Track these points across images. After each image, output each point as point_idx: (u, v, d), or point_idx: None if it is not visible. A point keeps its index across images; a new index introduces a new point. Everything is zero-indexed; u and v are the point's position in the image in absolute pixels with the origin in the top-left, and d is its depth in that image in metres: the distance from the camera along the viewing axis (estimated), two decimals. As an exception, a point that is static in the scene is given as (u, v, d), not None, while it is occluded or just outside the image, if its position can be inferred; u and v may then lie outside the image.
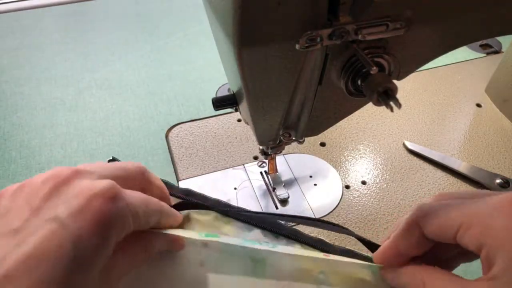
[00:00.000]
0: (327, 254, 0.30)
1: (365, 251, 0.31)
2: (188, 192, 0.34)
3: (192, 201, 0.33)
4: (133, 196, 0.25)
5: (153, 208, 0.27)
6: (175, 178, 0.49)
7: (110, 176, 0.26)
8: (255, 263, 0.32)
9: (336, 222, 0.44)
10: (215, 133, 0.54)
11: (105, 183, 0.23)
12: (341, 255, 0.30)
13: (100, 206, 0.22)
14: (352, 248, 0.31)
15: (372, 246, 0.30)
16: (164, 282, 0.33)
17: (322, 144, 0.53)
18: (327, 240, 0.41)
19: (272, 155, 0.44)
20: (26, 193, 0.23)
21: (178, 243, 0.31)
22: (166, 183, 0.33)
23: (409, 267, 0.26)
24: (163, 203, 0.29)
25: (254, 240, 0.33)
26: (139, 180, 0.29)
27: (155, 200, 0.28)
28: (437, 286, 0.24)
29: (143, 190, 0.28)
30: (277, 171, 0.47)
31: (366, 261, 0.29)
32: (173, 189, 0.33)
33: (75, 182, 0.23)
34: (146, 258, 0.28)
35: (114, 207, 0.23)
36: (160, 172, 0.49)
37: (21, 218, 0.22)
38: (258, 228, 0.33)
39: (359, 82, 0.27)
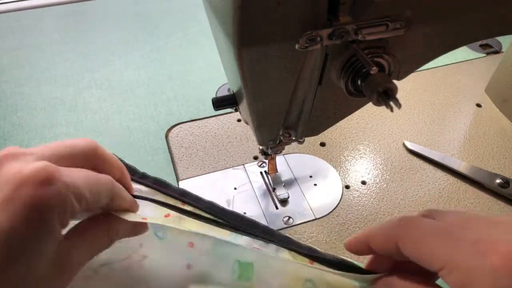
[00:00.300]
0: (312, 262, 0.30)
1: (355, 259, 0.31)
2: (183, 193, 0.33)
3: (152, 199, 0.31)
4: (75, 175, 0.23)
5: (103, 187, 0.25)
6: (175, 178, 0.49)
7: (52, 155, 0.24)
8: (242, 269, 0.32)
9: (336, 223, 0.44)
10: (215, 133, 0.54)
11: (37, 165, 0.22)
12: (333, 264, 0.30)
13: (30, 192, 0.21)
14: (344, 257, 0.31)
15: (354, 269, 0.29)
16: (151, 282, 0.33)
17: (322, 144, 0.53)
18: (325, 240, 0.41)
19: (272, 155, 0.44)
20: None
21: (142, 227, 0.30)
22: (160, 181, 0.33)
23: (402, 282, 0.25)
24: (115, 183, 0.27)
25: (243, 244, 0.32)
26: (90, 157, 0.26)
27: (105, 179, 0.26)
28: None
29: (97, 169, 0.26)
30: (277, 171, 0.47)
31: (356, 270, 0.29)
32: (169, 189, 0.33)
33: (6, 167, 0.22)
34: (108, 243, 0.27)
35: (46, 191, 0.21)
36: (160, 172, 0.49)
37: None
38: (248, 236, 0.32)
39: (359, 82, 0.27)
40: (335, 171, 0.49)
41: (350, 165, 0.50)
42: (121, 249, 0.32)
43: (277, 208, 0.46)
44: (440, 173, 0.49)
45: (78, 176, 0.23)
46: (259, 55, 0.25)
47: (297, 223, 0.44)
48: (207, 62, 0.66)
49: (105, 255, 0.28)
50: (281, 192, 0.46)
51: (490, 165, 0.50)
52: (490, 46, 0.70)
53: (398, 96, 0.25)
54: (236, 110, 0.38)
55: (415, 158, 0.51)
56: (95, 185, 0.24)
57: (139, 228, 0.30)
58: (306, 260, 0.30)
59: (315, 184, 0.48)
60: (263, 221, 0.44)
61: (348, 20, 0.24)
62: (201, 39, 0.71)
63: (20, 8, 0.79)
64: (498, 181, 0.47)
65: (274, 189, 0.47)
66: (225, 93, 0.37)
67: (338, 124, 0.36)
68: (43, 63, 0.66)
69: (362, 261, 0.32)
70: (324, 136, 0.54)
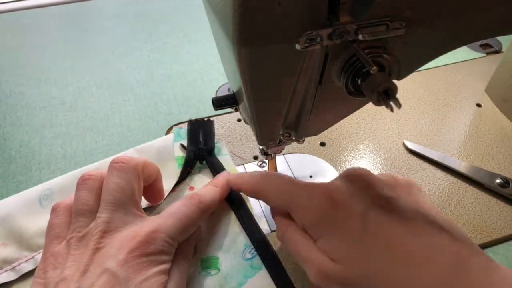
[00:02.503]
0: None
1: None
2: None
3: None
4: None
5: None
6: (175, 178, 0.49)
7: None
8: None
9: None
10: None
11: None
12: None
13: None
14: None
15: None
16: None
17: (322, 144, 0.53)
18: None
19: (272, 155, 0.44)
20: None
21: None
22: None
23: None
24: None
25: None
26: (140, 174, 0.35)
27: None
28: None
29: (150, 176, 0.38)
30: (277, 171, 0.47)
31: None
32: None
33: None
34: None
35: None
36: (160, 172, 0.49)
37: None
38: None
39: (359, 82, 0.27)
40: (335, 171, 0.49)
41: (350, 165, 0.50)
42: None
43: (277, 208, 0.46)
44: (440, 173, 0.49)
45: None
46: (259, 55, 0.25)
47: (297, 223, 0.44)
48: (207, 62, 0.66)
49: None
50: (281, 192, 0.46)
51: (490, 165, 0.50)
52: (490, 46, 0.70)
53: (398, 96, 0.25)
54: (236, 110, 0.39)
55: (415, 158, 0.51)
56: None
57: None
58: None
59: (315, 184, 0.48)
60: (263, 221, 0.44)
61: (348, 20, 0.24)
62: (201, 39, 0.71)
63: (20, 8, 0.79)
64: (498, 181, 0.47)
65: (274, 189, 0.47)
66: (225, 93, 0.37)
67: (338, 124, 0.36)
68: (43, 63, 0.66)
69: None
70: (324, 136, 0.54)
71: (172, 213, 0.33)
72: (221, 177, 0.40)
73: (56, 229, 0.33)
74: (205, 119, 0.49)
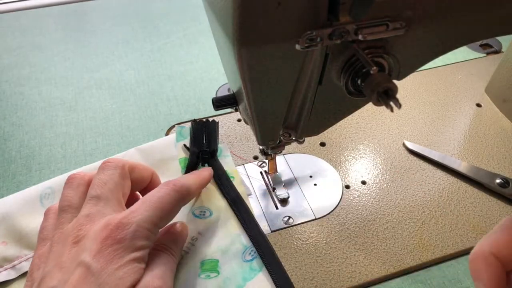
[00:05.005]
0: None
1: None
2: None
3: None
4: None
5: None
6: (175, 178, 0.49)
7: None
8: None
9: (336, 223, 0.44)
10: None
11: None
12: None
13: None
14: None
15: None
16: None
17: (322, 144, 0.53)
18: (325, 240, 0.42)
19: (272, 155, 0.44)
20: None
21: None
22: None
23: None
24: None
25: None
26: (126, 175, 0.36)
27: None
28: None
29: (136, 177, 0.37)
30: (277, 171, 0.47)
31: None
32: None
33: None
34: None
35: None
36: (160, 172, 0.49)
37: None
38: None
39: (359, 82, 0.27)
40: (335, 171, 0.49)
41: (350, 165, 0.50)
42: None
43: (277, 208, 0.46)
44: (440, 173, 0.49)
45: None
46: (259, 55, 0.25)
47: (297, 223, 0.44)
48: (207, 62, 0.66)
49: None
50: (281, 192, 0.46)
51: (490, 165, 0.50)
52: (490, 46, 0.70)
53: (398, 96, 0.25)
54: (236, 110, 0.38)
55: (415, 158, 0.51)
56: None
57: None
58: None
59: (315, 184, 0.48)
60: (263, 221, 0.44)
61: (348, 20, 0.24)
62: (201, 39, 0.71)
63: (20, 8, 0.79)
64: (498, 181, 0.47)
65: (274, 189, 0.47)
66: (225, 93, 0.37)
67: (338, 124, 0.36)
68: (43, 63, 0.66)
69: None
70: (324, 136, 0.54)
71: (146, 199, 0.32)
72: (205, 170, 0.41)
73: (44, 231, 0.33)
74: (210, 120, 0.48)
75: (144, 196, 0.33)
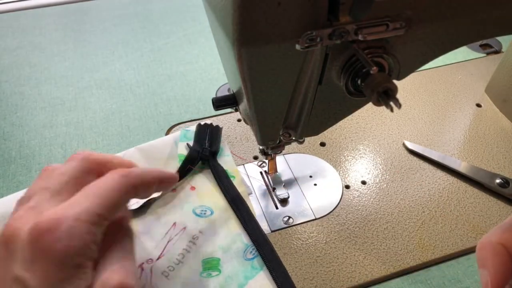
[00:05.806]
0: None
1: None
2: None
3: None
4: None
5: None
6: (175, 178, 0.49)
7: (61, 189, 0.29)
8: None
9: (336, 223, 0.44)
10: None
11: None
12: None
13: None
14: None
15: None
16: None
17: (322, 144, 0.53)
18: (325, 240, 0.42)
19: (272, 155, 0.44)
20: None
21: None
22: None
23: None
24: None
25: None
26: (89, 168, 0.31)
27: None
28: None
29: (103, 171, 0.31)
30: (277, 171, 0.47)
31: None
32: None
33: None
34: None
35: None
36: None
37: None
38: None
39: (359, 82, 0.27)
40: (335, 171, 0.49)
41: (350, 165, 0.50)
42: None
43: (277, 208, 0.46)
44: (440, 173, 0.49)
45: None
46: (259, 55, 0.25)
47: (297, 223, 0.44)
48: (207, 62, 0.66)
49: None
50: (281, 192, 0.46)
51: (490, 165, 0.50)
52: (490, 46, 0.70)
53: (398, 96, 0.25)
54: (236, 110, 0.38)
55: (415, 158, 0.51)
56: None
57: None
58: None
59: (315, 184, 0.48)
60: (263, 221, 0.44)
61: (348, 20, 0.24)
62: (201, 39, 0.71)
63: (20, 8, 0.79)
64: (498, 181, 0.47)
65: (274, 189, 0.47)
66: (225, 93, 0.37)
67: (338, 124, 0.36)
68: (43, 63, 0.66)
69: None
70: (324, 136, 0.54)
71: (86, 189, 0.28)
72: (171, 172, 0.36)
73: None
74: (214, 125, 0.49)
75: (86, 186, 0.29)
